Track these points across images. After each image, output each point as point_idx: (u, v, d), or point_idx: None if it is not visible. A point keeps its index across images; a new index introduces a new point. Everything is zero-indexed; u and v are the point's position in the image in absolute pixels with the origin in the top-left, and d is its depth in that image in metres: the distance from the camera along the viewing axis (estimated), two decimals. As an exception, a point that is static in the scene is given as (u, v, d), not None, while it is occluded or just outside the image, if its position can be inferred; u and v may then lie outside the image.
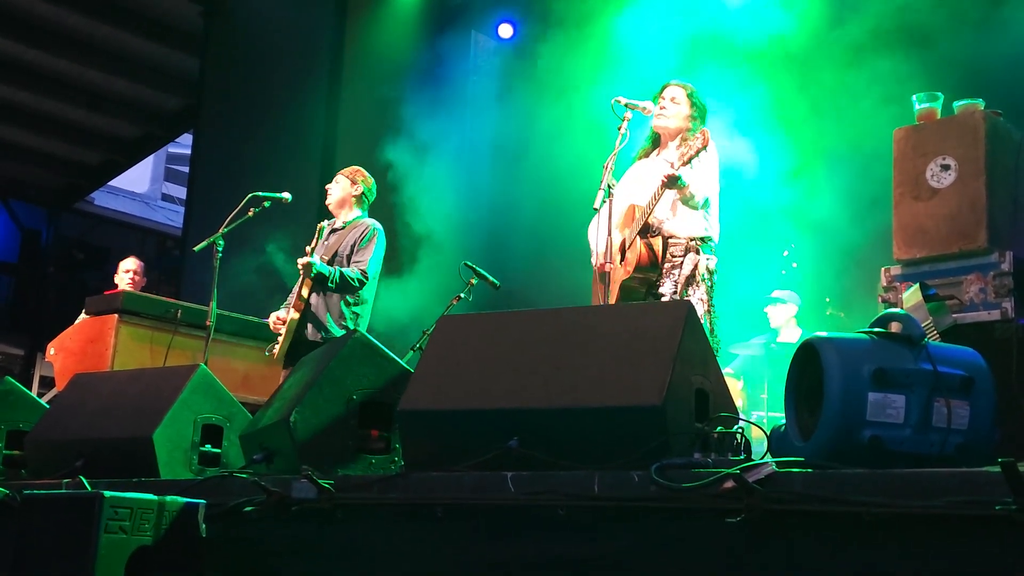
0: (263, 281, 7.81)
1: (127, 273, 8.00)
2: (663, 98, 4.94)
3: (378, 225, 6.10)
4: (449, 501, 2.93)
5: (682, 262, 4.74)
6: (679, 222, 4.79)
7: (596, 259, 4.70)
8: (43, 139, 14.51)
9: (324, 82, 9.61)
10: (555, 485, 2.75)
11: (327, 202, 6.19)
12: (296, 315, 5.84)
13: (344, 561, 3.12)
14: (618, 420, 2.81)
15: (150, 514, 3.01)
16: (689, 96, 4.93)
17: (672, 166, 4.63)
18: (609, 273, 4.55)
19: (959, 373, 2.59)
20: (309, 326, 5.87)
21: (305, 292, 5.85)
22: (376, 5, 9.19)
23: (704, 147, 4.61)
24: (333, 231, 6.14)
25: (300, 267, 5.78)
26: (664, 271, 4.76)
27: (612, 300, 4.62)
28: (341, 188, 6.15)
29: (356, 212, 6.17)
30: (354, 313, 5.96)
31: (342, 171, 6.24)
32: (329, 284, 5.81)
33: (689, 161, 4.62)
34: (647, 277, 4.76)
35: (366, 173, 6.26)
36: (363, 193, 6.17)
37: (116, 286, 7.90)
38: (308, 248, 5.91)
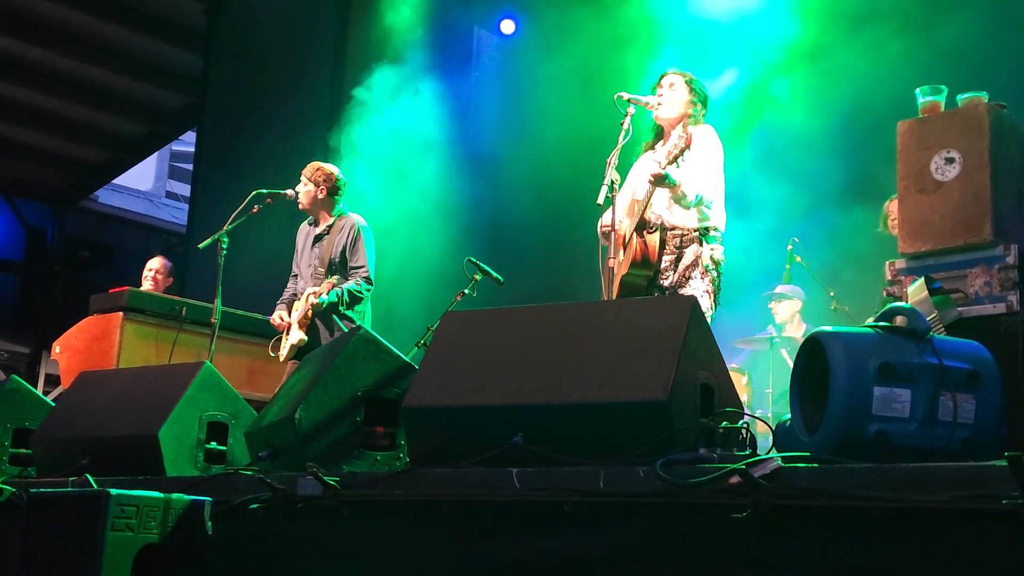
0: (267, 278, 7.81)
1: (150, 272, 7.78)
2: (661, 87, 4.91)
3: (361, 221, 6.09)
4: (454, 497, 2.93)
5: (684, 253, 4.74)
6: (682, 214, 4.78)
7: (601, 234, 4.70)
8: (47, 138, 14.52)
9: (327, 79, 9.61)
10: (560, 481, 2.75)
11: (301, 207, 6.15)
12: (304, 337, 5.84)
13: (350, 558, 3.13)
14: (623, 415, 2.80)
15: (156, 512, 3.01)
16: (688, 83, 4.89)
17: (659, 165, 4.62)
18: (612, 269, 4.55)
19: (965, 367, 2.59)
20: (320, 335, 5.88)
21: (310, 312, 5.86)
22: (378, 2, 9.19)
23: (688, 147, 4.60)
24: (317, 238, 6.10)
25: (312, 306, 5.79)
26: (668, 263, 4.76)
27: (613, 296, 4.61)
28: (306, 192, 6.08)
29: (333, 210, 6.13)
30: (359, 312, 5.98)
31: (304, 171, 6.16)
32: (340, 307, 5.83)
33: (674, 160, 4.61)
34: (642, 273, 4.75)
35: (326, 167, 6.19)
36: (329, 190, 6.11)
37: (127, 284, 7.81)
38: (312, 291, 5.86)
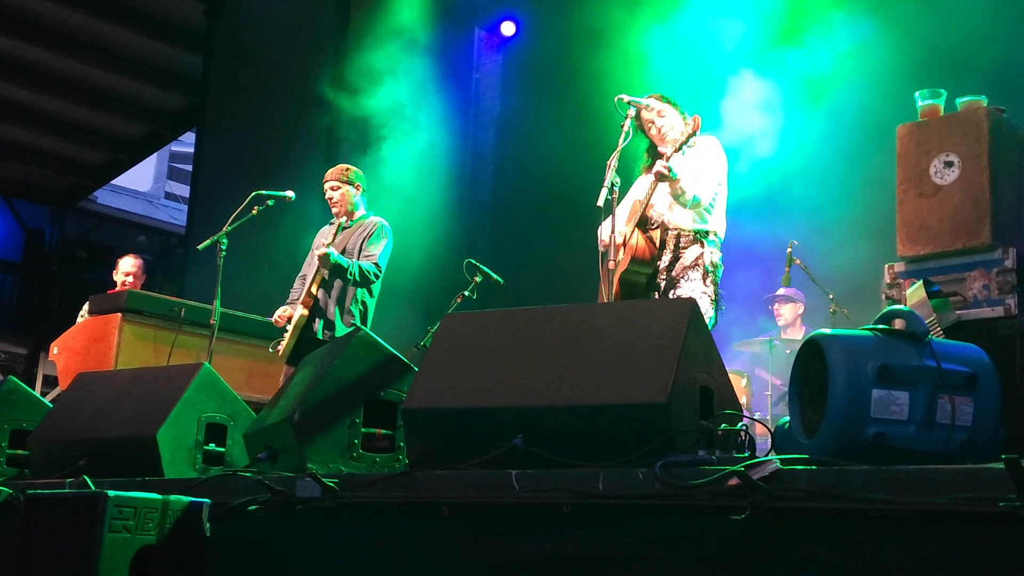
0: (266, 279, 7.81)
1: (127, 276, 7.76)
2: (651, 122, 4.90)
3: (386, 223, 6.12)
4: (454, 499, 2.92)
5: (683, 254, 4.75)
6: (683, 215, 4.79)
7: (601, 245, 4.71)
8: (46, 138, 14.54)
9: (327, 80, 9.62)
10: (560, 483, 2.75)
11: (336, 211, 6.16)
12: (305, 312, 5.85)
13: (349, 560, 3.12)
14: (623, 417, 2.80)
15: (154, 513, 3.00)
16: (667, 101, 4.92)
17: (665, 157, 4.63)
18: (612, 269, 4.55)
19: (963, 370, 2.59)
20: (316, 323, 5.88)
21: (314, 289, 5.87)
22: (379, 3, 9.20)
23: (694, 132, 4.62)
24: (341, 229, 6.15)
25: (318, 257, 5.80)
26: (667, 263, 4.77)
27: (613, 294, 4.61)
28: (342, 194, 6.12)
29: (361, 210, 6.19)
30: (360, 310, 5.97)
31: (333, 175, 6.17)
32: (347, 276, 5.83)
33: (680, 148, 4.63)
34: (643, 271, 4.76)
35: (345, 166, 6.26)
36: (360, 186, 6.17)
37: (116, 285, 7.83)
38: (324, 241, 5.91)
